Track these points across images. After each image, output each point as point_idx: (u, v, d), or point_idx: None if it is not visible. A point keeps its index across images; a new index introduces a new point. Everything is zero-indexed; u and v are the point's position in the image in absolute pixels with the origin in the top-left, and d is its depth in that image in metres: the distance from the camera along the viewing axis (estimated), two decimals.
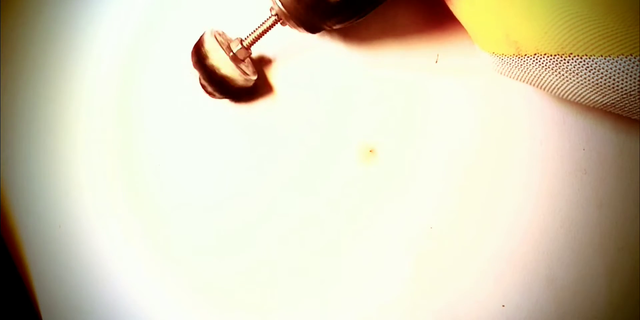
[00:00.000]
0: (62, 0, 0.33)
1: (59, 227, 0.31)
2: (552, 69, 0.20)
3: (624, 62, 0.18)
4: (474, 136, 0.27)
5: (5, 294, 0.31)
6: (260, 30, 0.27)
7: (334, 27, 0.25)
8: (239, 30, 0.27)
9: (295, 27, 0.25)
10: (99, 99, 0.32)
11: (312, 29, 0.25)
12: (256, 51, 0.29)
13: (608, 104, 0.20)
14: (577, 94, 0.20)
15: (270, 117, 0.29)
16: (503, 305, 0.26)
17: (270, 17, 0.26)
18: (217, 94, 0.28)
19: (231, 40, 0.28)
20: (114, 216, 0.31)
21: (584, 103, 0.21)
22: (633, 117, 0.20)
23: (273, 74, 0.29)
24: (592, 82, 0.19)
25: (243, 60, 0.27)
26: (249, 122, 0.29)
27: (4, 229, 0.33)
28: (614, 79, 0.18)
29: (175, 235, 0.30)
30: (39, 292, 0.32)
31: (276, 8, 0.25)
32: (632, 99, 0.19)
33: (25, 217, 0.32)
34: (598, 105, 0.20)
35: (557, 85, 0.21)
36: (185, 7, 0.31)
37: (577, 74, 0.19)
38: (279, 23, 0.26)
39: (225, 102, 0.29)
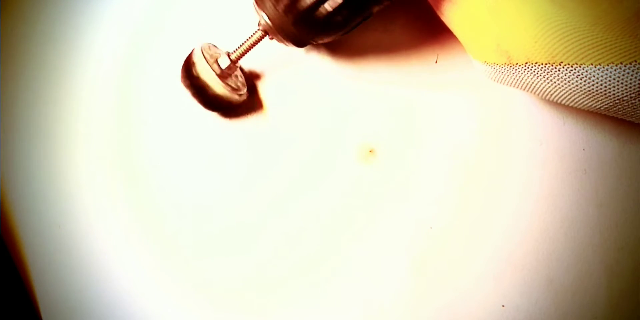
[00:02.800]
0: (62, 0, 0.33)
1: (59, 227, 0.31)
2: (544, 77, 0.20)
3: (615, 70, 0.18)
4: (473, 136, 0.27)
5: (5, 294, 0.31)
6: (247, 45, 0.26)
7: (321, 42, 0.25)
8: (239, 30, 0.27)
9: (282, 41, 0.25)
10: (98, 99, 0.32)
11: (299, 43, 0.25)
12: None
13: (602, 108, 0.20)
14: (571, 100, 0.20)
15: (270, 119, 0.29)
16: (503, 305, 0.26)
17: (257, 31, 0.26)
18: (205, 108, 0.28)
19: (220, 54, 0.27)
20: (114, 216, 0.31)
21: (578, 108, 0.21)
22: (628, 119, 0.21)
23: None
24: (584, 89, 0.19)
25: (230, 75, 0.27)
26: (249, 123, 0.29)
27: (4, 229, 0.33)
28: (605, 86, 0.19)
29: (175, 236, 0.30)
30: (39, 292, 0.32)
31: (263, 22, 0.25)
32: (625, 104, 0.19)
33: (25, 217, 0.32)
34: (592, 110, 0.21)
35: (549, 91, 0.21)
36: (185, 7, 0.31)
37: (568, 82, 0.19)
38: (266, 37, 0.26)
39: None
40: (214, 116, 0.30)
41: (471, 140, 0.27)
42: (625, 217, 0.25)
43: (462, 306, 0.26)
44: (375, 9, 0.24)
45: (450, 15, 0.22)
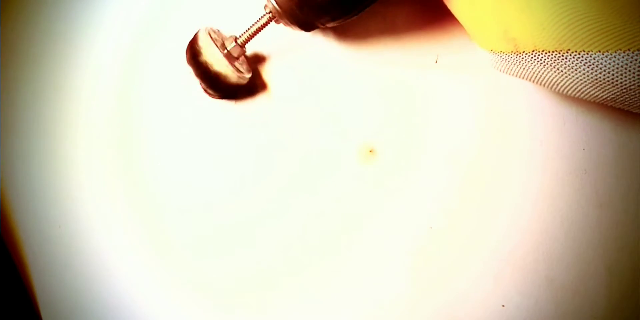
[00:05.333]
0: (62, 0, 0.33)
1: (59, 227, 0.31)
2: (551, 66, 0.20)
3: (623, 57, 0.18)
4: (473, 136, 0.27)
5: (6, 294, 0.31)
6: (254, 29, 0.26)
7: (328, 25, 0.25)
8: (241, 28, 0.27)
9: (289, 25, 0.25)
10: (99, 99, 0.32)
11: (306, 27, 0.25)
12: (251, 49, 0.29)
13: (608, 98, 0.20)
14: (577, 90, 0.20)
15: (269, 117, 0.29)
16: (503, 305, 0.26)
17: (264, 15, 0.26)
18: (210, 91, 0.28)
19: (226, 38, 0.28)
20: (114, 216, 0.31)
21: (584, 98, 0.21)
22: (634, 111, 0.20)
23: (268, 72, 0.29)
24: (592, 77, 0.19)
25: (237, 58, 0.27)
26: (248, 121, 0.29)
27: (4, 229, 0.32)
28: (613, 74, 0.18)
29: (175, 235, 0.30)
30: (39, 291, 0.32)
31: (270, 6, 0.25)
32: (632, 93, 0.19)
33: (25, 217, 0.32)
34: (598, 100, 0.20)
35: (556, 81, 0.21)
36: (185, 7, 0.31)
37: (576, 70, 0.19)
38: (273, 21, 0.26)
39: (224, 102, 0.30)
40: (214, 117, 0.30)
41: (471, 140, 0.27)
42: (625, 217, 0.25)
43: (462, 306, 0.26)
44: None
45: (457, 2, 0.22)
